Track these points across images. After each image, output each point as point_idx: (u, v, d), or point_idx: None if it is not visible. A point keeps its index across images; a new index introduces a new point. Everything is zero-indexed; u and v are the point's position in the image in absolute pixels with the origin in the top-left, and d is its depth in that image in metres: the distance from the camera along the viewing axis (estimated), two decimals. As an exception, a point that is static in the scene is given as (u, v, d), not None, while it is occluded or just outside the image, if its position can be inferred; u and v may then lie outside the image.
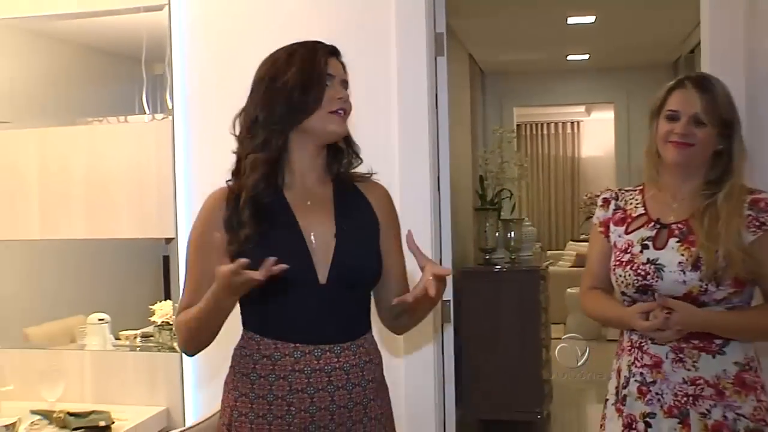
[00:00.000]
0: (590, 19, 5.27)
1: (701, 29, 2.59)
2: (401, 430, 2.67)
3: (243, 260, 1.61)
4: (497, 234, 5.20)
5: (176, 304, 2.04)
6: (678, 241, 2.08)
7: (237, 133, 1.88)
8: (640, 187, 2.26)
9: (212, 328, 1.81)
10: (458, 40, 5.66)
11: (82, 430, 2.47)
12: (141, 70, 2.91)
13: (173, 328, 1.92)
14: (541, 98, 7.70)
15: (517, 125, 9.79)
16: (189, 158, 2.84)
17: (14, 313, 3.09)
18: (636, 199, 2.23)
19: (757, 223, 2.03)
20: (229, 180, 1.89)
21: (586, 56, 6.67)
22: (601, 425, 2.21)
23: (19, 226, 2.93)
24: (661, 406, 2.05)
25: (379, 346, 2.79)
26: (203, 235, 1.85)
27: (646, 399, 2.07)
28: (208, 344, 1.86)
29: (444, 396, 2.90)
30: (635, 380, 2.09)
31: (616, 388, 2.17)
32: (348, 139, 1.94)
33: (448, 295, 2.84)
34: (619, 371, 2.18)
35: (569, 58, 6.76)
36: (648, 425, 2.05)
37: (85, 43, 3.19)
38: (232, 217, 1.82)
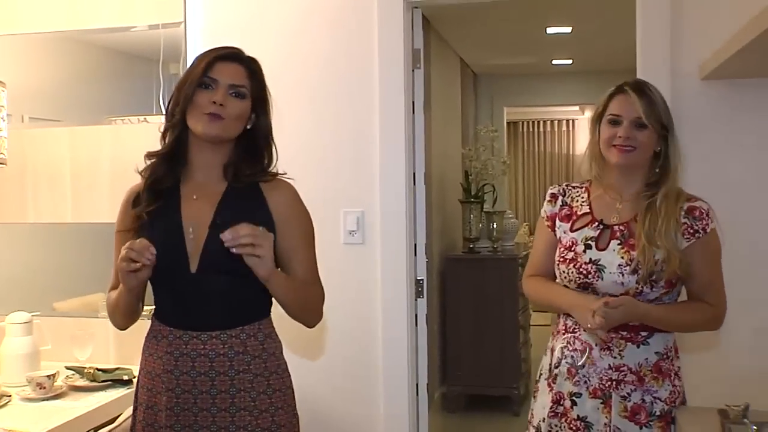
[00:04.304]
0: (567, 29, 5.50)
1: (638, 47, 2.79)
2: (379, 404, 3.00)
3: (126, 249, 1.73)
4: (481, 225, 5.52)
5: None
6: (619, 244, 2.10)
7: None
8: (586, 185, 2.27)
9: (129, 307, 1.92)
10: (449, 46, 5.93)
11: (109, 382, 2.74)
12: (158, 70, 3.13)
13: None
14: (530, 99, 7.90)
15: (515, 123, 10.09)
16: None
17: (45, 288, 3.34)
18: (582, 197, 2.24)
19: (692, 231, 2.08)
20: (144, 164, 1.95)
21: (570, 61, 6.86)
22: (534, 396, 2.30)
23: (55, 211, 3.21)
24: (587, 388, 2.11)
25: (351, 327, 2.97)
26: (118, 223, 1.97)
27: (574, 380, 2.13)
28: (133, 322, 1.99)
29: (417, 367, 3.11)
30: (566, 362, 2.15)
31: (549, 365, 2.23)
32: (255, 146, 1.95)
33: (421, 274, 3.12)
34: (552, 350, 2.23)
35: (554, 62, 6.95)
36: (574, 403, 2.13)
37: (111, 47, 3.40)
38: (138, 197, 1.92)
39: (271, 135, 1.98)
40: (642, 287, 2.05)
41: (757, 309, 2.70)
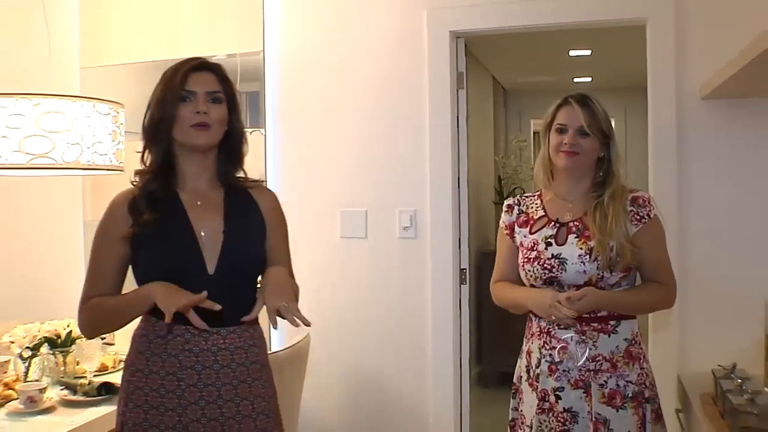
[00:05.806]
0: (587, 51, 5.67)
1: (648, 70, 2.98)
2: (428, 377, 3.24)
3: (203, 296, 1.72)
4: (512, 224, 5.78)
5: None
6: (576, 237, 2.16)
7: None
8: (538, 193, 2.35)
9: (123, 323, 1.88)
10: (483, 66, 6.17)
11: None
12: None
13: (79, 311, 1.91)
14: (554, 112, 8.12)
15: (536, 132, 10.31)
16: (276, 164, 3.41)
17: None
18: (536, 203, 2.31)
19: (638, 217, 2.16)
20: (133, 180, 1.92)
21: (589, 78, 7.00)
22: (519, 398, 2.29)
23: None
24: (568, 381, 2.14)
25: (405, 309, 3.17)
26: (106, 228, 1.89)
27: (555, 376, 2.15)
28: (110, 332, 2.00)
29: (461, 345, 3.30)
30: (546, 360, 2.17)
31: (527, 367, 2.25)
32: (232, 147, 1.93)
33: (465, 264, 3.35)
34: (529, 353, 2.24)
35: (575, 80, 7.09)
36: (558, 397, 2.15)
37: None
38: (135, 205, 1.87)
39: (245, 134, 1.98)
40: (602, 273, 2.10)
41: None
